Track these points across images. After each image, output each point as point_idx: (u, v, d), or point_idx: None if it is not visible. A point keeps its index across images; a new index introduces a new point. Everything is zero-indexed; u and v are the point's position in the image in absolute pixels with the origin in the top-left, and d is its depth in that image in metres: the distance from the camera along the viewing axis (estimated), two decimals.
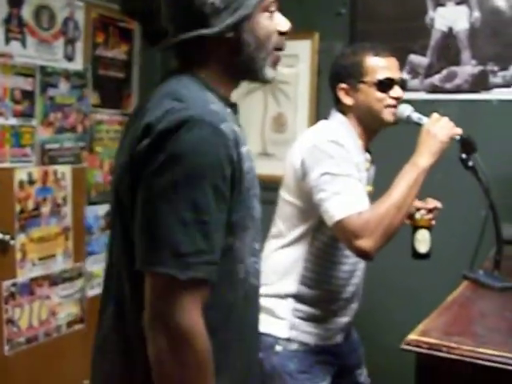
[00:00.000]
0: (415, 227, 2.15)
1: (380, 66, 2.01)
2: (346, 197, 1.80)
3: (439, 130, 1.91)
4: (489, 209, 2.00)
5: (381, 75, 1.99)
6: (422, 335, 1.46)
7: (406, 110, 2.03)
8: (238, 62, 1.31)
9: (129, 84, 3.51)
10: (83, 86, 3.23)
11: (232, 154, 1.18)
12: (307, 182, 1.90)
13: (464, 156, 2.00)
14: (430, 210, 2.16)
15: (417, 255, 2.14)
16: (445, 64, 3.01)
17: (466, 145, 2.00)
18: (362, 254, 1.79)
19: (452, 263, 2.19)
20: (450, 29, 2.98)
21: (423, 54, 3.04)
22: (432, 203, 2.17)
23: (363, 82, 2.01)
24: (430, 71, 3.04)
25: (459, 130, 1.94)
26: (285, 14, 3.38)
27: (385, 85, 2.00)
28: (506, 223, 2.49)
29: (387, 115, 2.02)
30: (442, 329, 1.53)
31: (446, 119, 1.95)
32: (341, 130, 2.02)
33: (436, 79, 3.03)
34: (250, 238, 1.30)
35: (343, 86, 2.04)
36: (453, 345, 1.41)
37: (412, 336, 1.46)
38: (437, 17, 3.01)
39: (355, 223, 1.76)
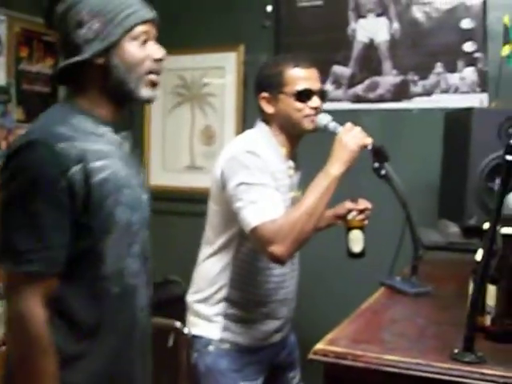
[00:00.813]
0: (348, 228, 2.20)
1: (300, 76, 2.05)
2: (261, 205, 1.85)
3: (350, 139, 1.94)
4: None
5: (300, 86, 2.03)
6: (329, 344, 1.47)
7: (323, 120, 2.07)
8: (110, 84, 1.50)
9: (54, 98, 3.45)
10: (7, 102, 3.17)
11: (69, 169, 1.37)
12: (226, 191, 1.96)
13: (376, 165, 2.03)
14: (361, 211, 2.21)
15: (351, 254, 2.19)
16: (367, 74, 3.07)
17: (377, 154, 2.03)
18: (275, 259, 1.84)
19: (375, 268, 2.23)
20: (372, 40, 3.04)
21: (346, 65, 3.10)
22: (363, 204, 2.22)
23: (283, 93, 2.04)
24: (352, 81, 3.10)
25: (369, 140, 1.98)
26: (210, 27, 3.43)
27: (303, 95, 2.04)
28: (427, 228, 2.56)
29: (306, 124, 2.06)
30: (351, 337, 1.54)
31: (357, 129, 1.99)
32: (260, 140, 2.06)
33: (359, 89, 3.08)
34: (115, 242, 1.48)
35: (265, 95, 2.08)
36: (359, 353, 1.42)
37: (319, 345, 1.46)
38: (358, 28, 3.07)
39: (268, 229, 1.81)
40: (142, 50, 1.51)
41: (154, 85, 1.55)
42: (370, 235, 2.15)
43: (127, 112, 1.63)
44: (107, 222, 1.45)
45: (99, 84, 1.51)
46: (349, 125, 2.00)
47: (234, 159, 1.96)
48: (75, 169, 1.38)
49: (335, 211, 2.27)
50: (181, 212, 3.43)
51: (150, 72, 1.53)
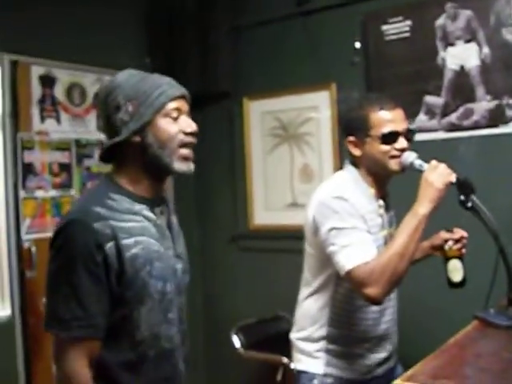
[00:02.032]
0: (446, 258, 2.19)
1: (385, 119, 2.06)
2: (353, 248, 1.92)
3: (436, 177, 1.94)
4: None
5: (385, 129, 2.05)
6: (407, 380, 1.50)
7: (409, 157, 2.07)
8: (146, 161, 1.62)
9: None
10: None
11: (102, 244, 1.51)
12: (319, 236, 2.04)
13: (462, 198, 2.02)
14: (457, 240, 2.19)
15: (452, 284, 2.17)
16: (460, 102, 3.03)
17: (463, 186, 2.02)
18: (370, 300, 1.90)
19: (470, 301, 2.19)
20: (462, 67, 3.02)
21: (438, 94, 3.08)
22: (458, 233, 2.20)
23: (369, 136, 2.07)
24: (446, 110, 3.07)
25: (454, 177, 1.98)
26: (301, 68, 3.49)
27: (389, 138, 2.05)
28: None
29: (393, 165, 2.07)
30: (431, 372, 1.56)
31: (442, 166, 1.98)
32: (348, 183, 2.11)
33: (453, 118, 3.06)
34: (148, 310, 1.61)
35: (351, 138, 2.13)
36: None
37: (397, 381, 1.49)
38: (448, 56, 3.05)
39: (362, 272, 1.88)
40: (173, 125, 1.62)
41: (186, 159, 1.64)
42: (467, 266, 2.12)
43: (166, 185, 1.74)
44: (140, 294, 1.58)
45: (137, 161, 1.63)
46: (434, 162, 2.00)
47: (322, 205, 2.03)
48: (109, 245, 1.52)
49: (431, 242, 2.28)
50: (285, 249, 3.51)
51: (183, 145, 1.62)
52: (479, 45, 2.97)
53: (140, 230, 1.61)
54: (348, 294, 2.10)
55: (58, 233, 1.55)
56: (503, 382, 1.47)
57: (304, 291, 2.22)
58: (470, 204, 2.02)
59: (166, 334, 1.66)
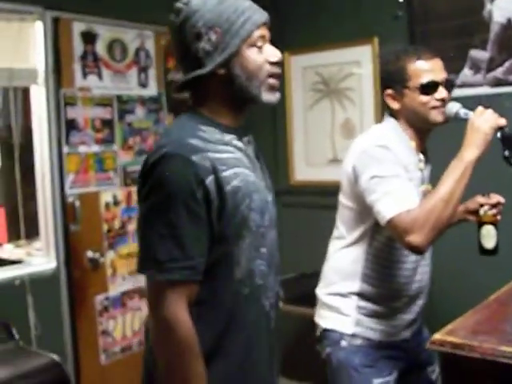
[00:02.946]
0: (480, 223, 2.14)
1: (423, 69, 2.03)
2: (395, 196, 1.87)
3: (483, 122, 1.91)
4: None
5: (424, 79, 2.02)
6: (448, 334, 1.50)
7: (453, 107, 2.03)
8: (233, 93, 1.52)
9: None
10: (158, 110, 3.45)
11: (203, 179, 1.41)
12: (359, 185, 1.99)
13: (507, 153, 1.98)
14: (493, 206, 2.15)
15: (484, 251, 2.12)
16: (507, 56, 2.96)
17: (508, 141, 1.98)
18: (414, 248, 1.84)
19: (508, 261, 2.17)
20: (509, 20, 2.93)
21: (484, 48, 3.01)
22: (495, 198, 2.16)
23: (407, 87, 2.04)
24: (491, 65, 3.00)
25: (503, 121, 1.94)
26: (343, 23, 3.44)
27: (428, 88, 2.02)
28: None
29: (435, 116, 2.04)
30: (471, 327, 1.56)
31: (489, 111, 1.94)
32: (390, 134, 2.08)
33: (499, 72, 2.98)
34: (247, 245, 1.52)
35: (389, 91, 2.09)
36: (475, 343, 1.44)
37: (437, 336, 1.50)
38: (494, 9, 2.97)
39: (405, 220, 1.82)
40: (260, 55, 1.51)
41: (274, 88, 1.55)
42: (502, 229, 2.09)
43: (247, 117, 1.67)
44: (241, 228, 1.49)
45: (222, 93, 1.53)
46: (480, 108, 1.96)
47: (364, 153, 1.99)
48: (209, 179, 1.42)
49: (466, 206, 2.22)
50: (326, 205, 3.48)
51: (270, 76, 1.53)
52: None
53: (235, 161, 1.51)
54: (383, 249, 2.07)
55: (153, 167, 1.43)
56: None
57: (336, 244, 2.17)
58: None
59: (260, 270, 1.56)
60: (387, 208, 1.86)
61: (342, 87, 3.54)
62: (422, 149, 2.14)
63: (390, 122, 2.13)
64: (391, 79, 2.08)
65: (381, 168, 1.93)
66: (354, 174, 2.02)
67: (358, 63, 3.44)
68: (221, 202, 1.44)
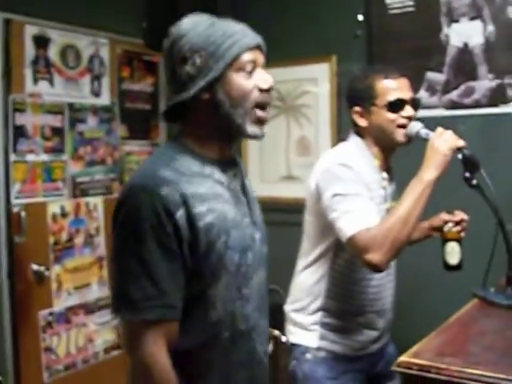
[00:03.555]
0: (444, 240, 2.18)
1: (390, 87, 2.06)
2: (356, 214, 1.89)
3: (442, 143, 1.93)
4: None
5: (391, 97, 2.05)
6: (414, 357, 1.48)
7: (415, 127, 2.06)
8: (217, 121, 1.45)
9: (156, 115, 3.63)
10: (111, 120, 3.37)
11: (173, 213, 1.34)
12: (322, 202, 2.00)
13: (467, 175, 2.00)
14: (457, 223, 2.18)
15: (448, 267, 2.16)
16: (462, 79, 3.00)
17: (468, 163, 2.00)
18: (373, 266, 1.85)
19: (469, 279, 2.18)
20: (466, 44, 2.98)
21: (440, 71, 3.05)
22: (459, 215, 2.20)
23: (375, 105, 2.07)
24: (447, 87, 3.04)
25: (462, 143, 1.96)
26: (302, 39, 3.44)
27: (396, 106, 2.05)
28: None
29: (399, 135, 2.07)
30: (436, 349, 1.54)
31: (449, 132, 1.98)
32: (353, 152, 2.10)
33: (454, 95, 3.02)
34: (224, 286, 1.43)
35: (357, 109, 2.11)
36: (442, 366, 1.42)
37: (403, 358, 1.48)
38: (451, 33, 3.01)
39: (364, 238, 1.84)
40: (248, 80, 1.43)
41: (261, 121, 1.46)
42: (464, 245, 2.11)
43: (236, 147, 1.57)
44: (217, 268, 1.40)
45: (207, 122, 1.46)
46: (440, 129, 1.99)
47: (327, 171, 2.01)
48: (179, 213, 1.34)
49: (431, 223, 2.28)
50: (278, 222, 3.47)
51: (257, 105, 1.44)
52: (484, 22, 2.93)
53: (212, 196, 1.42)
54: (347, 266, 2.08)
55: (122, 202, 1.38)
56: (507, 361, 1.46)
57: (301, 262, 2.19)
58: (474, 182, 2.01)
59: (242, 313, 1.47)
60: (347, 226, 1.88)
61: (298, 104, 3.53)
62: (386, 167, 2.17)
63: (354, 140, 2.15)
64: (359, 97, 2.11)
65: (343, 186, 1.95)
66: (316, 192, 2.04)
67: (316, 81, 3.43)
68: (193, 239, 1.36)
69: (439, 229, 2.21)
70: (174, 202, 1.34)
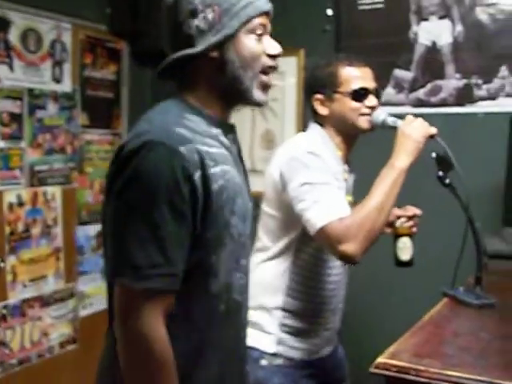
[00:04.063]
0: (396, 235, 2.13)
1: (354, 75, 2.02)
2: (326, 204, 1.81)
3: (414, 130, 1.91)
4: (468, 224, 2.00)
5: (355, 85, 2.00)
6: (391, 358, 1.46)
7: (380, 115, 2.02)
8: (223, 81, 1.38)
9: (118, 104, 3.54)
10: (72, 107, 3.26)
11: (190, 174, 1.25)
12: (287, 193, 1.91)
13: (441, 174, 2.00)
14: (409, 218, 2.13)
15: (399, 263, 2.12)
16: (429, 78, 3.02)
17: (442, 162, 2.00)
18: (347, 258, 1.79)
19: (437, 278, 2.18)
20: (434, 43, 2.99)
21: (407, 69, 3.06)
22: (411, 210, 2.14)
23: (338, 92, 2.01)
24: (414, 85, 3.05)
25: (434, 130, 1.95)
26: (270, 32, 3.37)
27: (359, 94, 2.00)
28: (491, 237, 2.49)
29: (362, 123, 2.02)
30: (413, 350, 1.53)
31: (420, 120, 1.96)
32: (318, 141, 2.03)
33: (421, 93, 3.04)
34: (227, 254, 1.36)
35: (318, 96, 2.05)
36: (421, 368, 1.41)
37: (381, 359, 1.45)
38: (420, 31, 3.02)
39: (337, 229, 1.76)
40: (258, 44, 1.39)
41: (266, 87, 1.43)
42: (433, 244, 2.12)
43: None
44: (223, 234, 1.34)
45: (211, 80, 1.39)
46: (410, 116, 1.97)
47: (294, 159, 1.92)
48: (197, 175, 1.26)
49: None
50: None
51: (264, 71, 1.41)
52: (453, 22, 2.95)
53: (222, 157, 1.35)
54: (310, 261, 2.01)
55: (131, 156, 1.24)
56: (484, 362, 1.46)
57: (258, 257, 2.07)
58: (448, 181, 2.01)
59: (237, 285, 1.41)
60: (318, 216, 1.80)
61: None
62: (347, 159, 2.11)
63: (316, 129, 2.08)
64: (321, 84, 2.05)
65: (311, 175, 1.87)
66: (281, 182, 1.94)
67: (283, 74, 3.39)
68: (206, 202, 1.28)
69: (391, 224, 2.13)
70: (192, 161, 1.25)
